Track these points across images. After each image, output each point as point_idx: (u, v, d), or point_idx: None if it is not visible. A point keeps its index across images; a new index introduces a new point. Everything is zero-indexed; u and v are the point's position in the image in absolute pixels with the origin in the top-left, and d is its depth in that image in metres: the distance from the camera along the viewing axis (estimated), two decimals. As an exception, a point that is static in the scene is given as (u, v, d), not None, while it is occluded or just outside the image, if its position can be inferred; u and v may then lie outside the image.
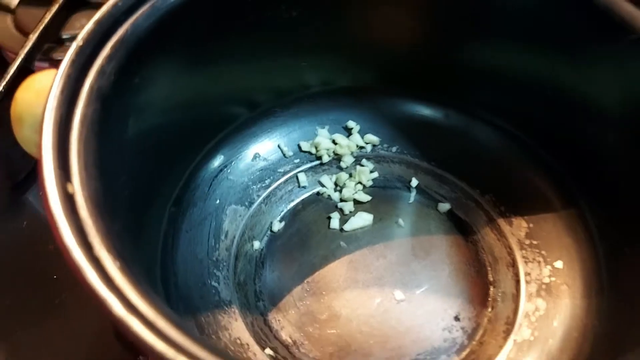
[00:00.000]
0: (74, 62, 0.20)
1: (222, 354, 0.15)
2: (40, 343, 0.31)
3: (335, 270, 0.28)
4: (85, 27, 0.21)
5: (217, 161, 0.29)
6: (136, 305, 0.15)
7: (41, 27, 0.38)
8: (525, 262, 0.28)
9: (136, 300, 0.15)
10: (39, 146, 0.18)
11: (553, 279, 0.27)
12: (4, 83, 0.35)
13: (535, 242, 0.28)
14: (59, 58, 0.40)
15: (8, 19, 0.42)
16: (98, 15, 0.21)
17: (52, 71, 0.23)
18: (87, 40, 0.20)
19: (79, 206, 0.17)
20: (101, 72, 0.20)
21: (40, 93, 0.21)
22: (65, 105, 0.19)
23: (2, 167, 0.37)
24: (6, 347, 0.31)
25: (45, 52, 0.39)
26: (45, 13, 0.39)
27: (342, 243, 0.29)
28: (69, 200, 0.17)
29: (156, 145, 0.24)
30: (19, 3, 0.42)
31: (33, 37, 0.38)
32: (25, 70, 0.37)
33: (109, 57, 0.21)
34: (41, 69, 0.39)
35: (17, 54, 0.39)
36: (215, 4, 0.24)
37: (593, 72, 0.22)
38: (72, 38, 0.40)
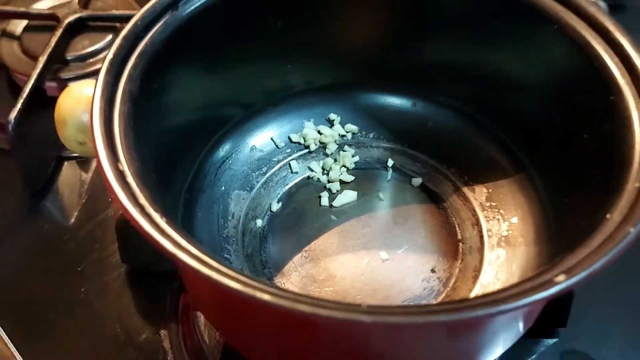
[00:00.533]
0: (109, 71, 0.24)
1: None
2: (73, 330, 0.35)
3: (329, 240, 0.33)
4: (115, 41, 0.25)
5: (221, 153, 0.34)
6: (184, 245, 0.19)
7: (49, 51, 0.43)
8: (487, 221, 0.33)
9: (183, 242, 0.19)
10: (92, 137, 0.22)
11: (510, 232, 0.32)
12: (21, 101, 0.39)
13: (494, 204, 0.33)
14: (66, 77, 0.44)
15: (15, 45, 0.47)
16: (124, 32, 0.26)
17: (84, 82, 0.27)
18: (116, 53, 0.25)
19: (129, 179, 0.21)
20: (130, 78, 0.25)
21: (79, 99, 0.26)
22: (107, 104, 0.23)
23: (23, 177, 0.41)
24: (43, 336, 0.35)
25: (53, 72, 0.44)
26: (51, 38, 0.44)
27: (332, 217, 0.34)
28: (120, 175, 0.21)
29: (172, 140, 0.29)
30: (24, 30, 0.47)
31: (42, 60, 0.42)
32: (38, 89, 0.41)
33: (134, 66, 0.25)
34: (50, 87, 0.44)
35: (25, 75, 0.44)
36: (214, 21, 0.29)
37: (525, 56, 0.27)
38: (76, 59, 0.45)
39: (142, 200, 0.21)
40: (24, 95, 0.40)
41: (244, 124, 0.35)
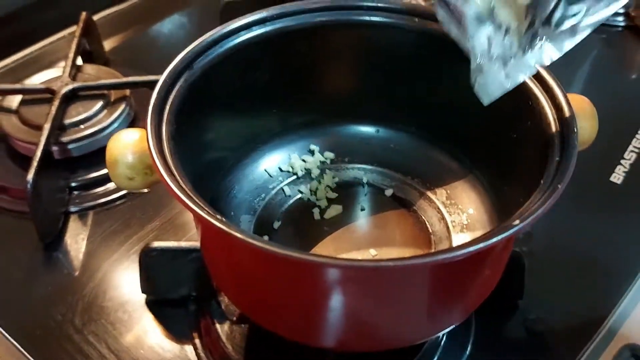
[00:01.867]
0: (153, 119, 0.31)
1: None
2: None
3: (325, 246, 0.40)
4: (152, 97, 0.32)
5: (228, 185, 0.40)
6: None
7: (51, 119, 0.48)
8: (450, 215, 0.41)
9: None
10: (153, 161, 0.28)
11: (469, 220, 0.40)
12: (35, 164, 0.44)
13: (453, 201, 0.41)
14: (65, 140, 0.50)
15: (13, 118, 0.51)
16: (157, 87, 0.32)
17: (126, 130, 0.33)
18: (155, 105, 0.32)
19: (182, 184, 0.28)
20: (167, 122, 0.31)
21: (125, 144, 0.32)
22: (157, 141, 0.30)
23: (38, 231, 0.45)
24: None
25: (55, 137, 0.49)
26: (51, 108, 0.49)
27: (325, 228, 0.41)
28: (178, 184, 0.27)
29: (199, 169, 0.35)
30: (20, 103, 0.52)
31: (47, 127, 0.47)
32: (47, 153, 0.46)
33: (168, 113, 0.32)
34: (55, 151, 0.49)
35: (27, 142, 0.49)
36: (219, 76, 0.37)
37: (463, 87, 0.36)
38: (73, 124, 0.51)
39: (192, 193, 0.27)
40: (37, 158, 0.45)
41: (244, 159, 0.42)
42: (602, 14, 0.30)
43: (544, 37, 0.31)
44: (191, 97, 0.34)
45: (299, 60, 0.40)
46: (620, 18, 0.66)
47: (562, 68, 0.61)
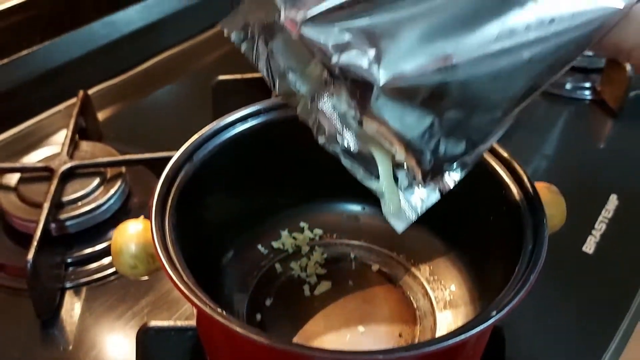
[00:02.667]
0: (157, 211, 0.33)
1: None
2: None
3: (316, 323, 0.42)
4: (155, 190, 0.34)
5: (223, 263, 0.42)
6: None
7: (50, 198, 0.50)
8: (433, 290, 0.43)
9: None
10: (158, 257, 0.30)
11: (451, 297, 0.42)
12: (35, 243, 0.46)
13: (436, 277, 0.44)
14: (63, 217, 0.51)
15: (12, 195, 0.53)
16: (161, 180, 0.35)
17: (129, 221, 0.36)
18: (158, 199, 0.34)
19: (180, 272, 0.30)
20: (170, 215, 0.34)
21: (129, 234, 0.34)
22: (160, 230, 0.32)
23: (36, 308, 0.46)
24: None
25: (53, 215, 0.51)
26: (50, 186, 0.51)
27: (315, 304, 0.43)
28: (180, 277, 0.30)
29: (198, 251, 0.37)
30: (19, 181, 0.54)
31: (47, 206, 0.49)
32: (46, 231, 0.48)
33: (170, 206, 0.34)
34: (53, 228, 0.50)
35: (26, 220, 0.51)
36: (214, 169, 0.39)
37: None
38: (70, 201, 0.53)
39: (186, 277, 0.29)
40: (37, 237, 0.46)
41: (238, 238, 0.44)
42: (491, 141, 0.32)
43: (444, 169, 0.33)
44: (191, 188, 0.37)
45: (289, 147, 0.43)
46: (587, 92, 0.71)
47: (532, 138, 0.66)
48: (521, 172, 0.36)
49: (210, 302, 0.29)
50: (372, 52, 0.27)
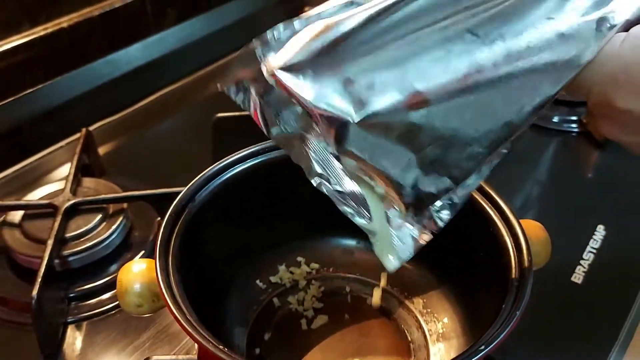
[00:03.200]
0: (160, 252, 0.35)
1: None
2: None
3: (314, 356, 0.43)
4: (160, 232, 0.36)
5: (223, 299, 0.44)
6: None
7: (54, 234, 0.51)
8: (427, 323, 0.45)
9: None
10: (161, 293, 0.32)
11: (444, 329, 0.44)
12: (39, 279, 0.47)
13: (429, 310, 0.45)
14: (66, 253, 0.53)
15: (16, 232, 0.55)
16: (165, 222, 0.36)
17: (134, 261, 0.37)
18: (162, 240, 0.36)
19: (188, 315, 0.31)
20: (173, 254, 0.35)
21: (134, 274, 0.36)
22: (164, 271, 0.33)
23: (40, 344, 0.47)
24: None
25: (57, 251, 0.52)
26: (54, 223, 0.53)
27: (313, 337, 0.44)
28: (183, 315, 0.31)
29: (194, 290, 0.38)
30: (23, 218, 0.55)
31: (51, 242, 0.51)
32: (49, 267, 0.49)
33: (173, 248, 0.36)
34: (57, 264, 0.52)
35: (30, 256, 0.52)
36: (214, 208, 0.41)
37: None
38: (73, 237, 0.54)
39: (189, 314, 0.31)
40: (41, 272, 0.48)
41: (237, 274, 0.45)
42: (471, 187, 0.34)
43: (427, 204, 0.34)
44: (193, 228, 0.38)
45: (286, 185, 0.44)
46: (574, 125, 0.73)
47: (521, 170, 0.68)
48: (507, 210, 0.38)
49: (212, 338, 0.30)
50: (346, 92, 0.29)
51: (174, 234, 0.37)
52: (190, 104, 0.79)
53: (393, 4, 0.30)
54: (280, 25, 0.32)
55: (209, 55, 0.86)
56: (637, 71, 0.29)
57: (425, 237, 0.35)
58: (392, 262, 0.35)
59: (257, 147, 0.43)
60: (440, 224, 0.34)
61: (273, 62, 0.31)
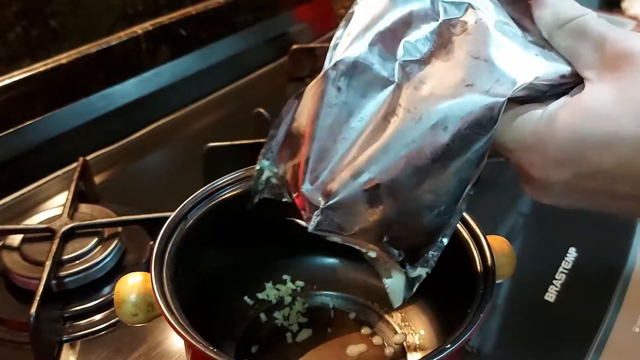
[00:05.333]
0: (156, 263, 0.38)
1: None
2: None
3: (299, 367, 0.46)
4: (155, 245, 0.39)
5: (213, 313, 0.46)
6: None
7: (52, 256, 0.54)
8: (405, 335, 0.47)
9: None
10: (157, 302, 0.35)
11: (421, 341, 0.47)
12: (37, 299, 0.49)
13: (407, 323, 0.48)
14: (63, 275, 0.55)
15: (15, 255, 0.57)
16: (160, 235, 0.39)
17: (131, 274, 0.40)
18: (157, 253, 0.39)
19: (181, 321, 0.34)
20: (167, 266, 0.38)
21: (131, 285, 0.39)
22: (159, 281, 0.36)
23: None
24: None
25: (54, 272, 0.54)
26: (51, 246, 0.55)
27: (297, 350, 0.47)
28: (177, 320, 0.34)
29: (187, 303, 0.41)
30: (22, 241, 0.58)
31: (49, 264, 0.53)
32: (47, 288, 0.52)
33: (168, 260, 0.39)
34: (53, 285, 0.54)
35: (28, 278, 0.55)
36: (206, 227, 0.44)
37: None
38: (70, 259, 0.57)
39: (182, 319, 0.33)
40: (39, 293, 0.50)
41: (226, 290, 0.48)
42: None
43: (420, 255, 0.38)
44: (186, 244, 0.41)
45: (275, 207, 0.48)
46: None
47: (499, 196, 0.71)
48: (475, 227, 0.42)
49: (203, 341, 0.33)
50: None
51: (168, 249, 0.39)
52: (182, 136, 0.83)
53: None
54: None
55: (200, 90, 0.90)
56: (552, 144, 0.31)
57: (422, 274, 0.39)
58: (397, 301, 0.41)
59: (246, 173, 0.46)
60: (432, 262, 0.38)
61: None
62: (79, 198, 0.65)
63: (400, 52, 0.33)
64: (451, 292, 0.43)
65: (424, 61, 0.33)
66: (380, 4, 0.34)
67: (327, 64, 0.35)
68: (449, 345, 0.33)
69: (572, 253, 0.64)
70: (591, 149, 0.30)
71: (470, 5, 0.33)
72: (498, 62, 0.31)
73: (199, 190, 0.44)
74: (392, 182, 0.34)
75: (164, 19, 0.83)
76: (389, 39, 0.33)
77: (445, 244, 0.36)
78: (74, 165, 0.67)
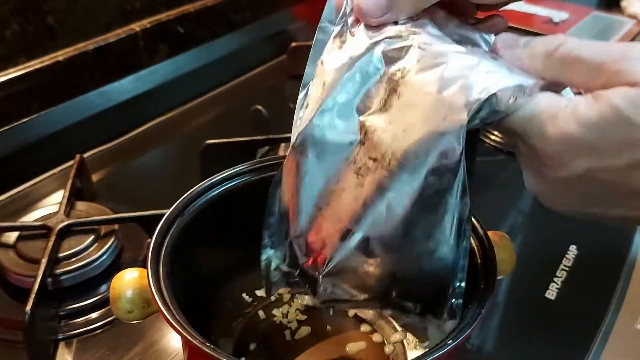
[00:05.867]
0: (153, 259, 0.37)
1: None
2: None
3: (298, 364, 0.45)
4: (151, 241, 0.38)
5: (211, 310, 0.46)
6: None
7: (47, 254, 0.53)
8: (405, 333, 0.47)
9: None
10: (153, 298, 0.34)
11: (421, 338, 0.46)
12: (32, 296, 0.49)
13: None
14: (58, 272, 0.55)
15: (10, 252, 0.56)
16: (156, 232, 0.39)
17: (127, 270, 0.39)
18: (154, 249, 0.38)
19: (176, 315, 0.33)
20: (164, 263, 0.38)
21: (127, 281, 0.38)
22: (155, 276, 0.36)
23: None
24: None
25: (50, 270, 0.54)
26: (47, 243, 0.54)
27: (296, 348, 0.46)
28: (174, 316, 0.33)
29: (184, 300, 0.40)
30: (17, 239, 0.57)
31: (44, 262, 0.52)
32: (42, 285, 0.51)
33: (164, 257, 0.38)
34: (49, 282, 0.53)
35: (24, 276, 0.54)
36: (203, 222, 0.43)
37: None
38: (66, 257, 0.56)
39: (178, 315, 0.33)
40: (34, 290, 0.49)
41: (224, 287, 0.48)
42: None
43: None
44: (183, 240, 0.41)
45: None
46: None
47: (500, 194, 0.71)
48: (476, 222, 0.41)
49: (200, 337, 0.33)
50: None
51: (164, 245, 0.39)
52: (180, 134, 0.82)
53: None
54: None
55: (198, 88, 0.90)
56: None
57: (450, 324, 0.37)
58: None
59: (244, 167, 0.46)
60: (458, 310, 0.36)
61: None
62: (75, 196, 0.65)
63: (357, 107, 0.34)
64: (452, 288, 0.43)
65: (381, 110, 0.33)
66: (334, 67, 0.34)
67: (292, 137, 0.36)
68: (450, 341, 0.32)
69: (572, 250, 0.64)
70: (616, 140, 0.29)
71: (410, 47, 0.33)
72: (448, 90, 0.31)
73: (197, 186, 0.44)
74: (381, 236, 0.34)
75: (161, 17, 0.83)
76: (346, 101, 0.34)
77: (463, 288, 0.35)
78: (71, 162, 0.66)
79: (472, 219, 0.41)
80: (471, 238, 0.41)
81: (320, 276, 0.37)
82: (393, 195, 0.33)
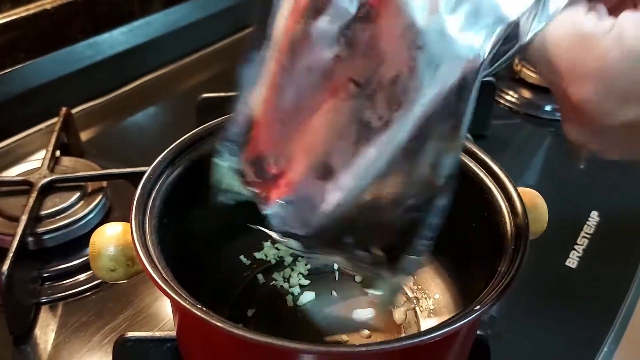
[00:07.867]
0: (137, 213, 0.33)
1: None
2: None
3: (300, 332, 0.41)
4: (136, 191, 0.34)
5: (204, 273, 0.42)
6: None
7: (28, 211, 0.49)
8: (417, 300, 0.43)
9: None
10: (137, 254, 0.30)
11: (436, 305, 0.42)
12: (10, 255, 0.45)
13: (420, 286, 0.43)
14: (41, 231, 0.50)
15: (-11, 208, 0.52)
16: (140, 186, 0.34)
17: (109, 224, 0.35)
18: (139, 199, 0.34)
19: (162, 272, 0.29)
20: (151, 215, 0.33)
21: (108, 237, 0.34)
22: (140, 230, 0.31)
23: (9, 324, 0.45)
24: None
25: (31, 228, 0.50)
26: (28, 199, 0.50)
27: (298, 314, 0.42)
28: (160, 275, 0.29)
29: (174, 259, 0.36)
30: (-3, 195, 0.53)
31: (24, 219, 0.48)
32: (22, 244, 0.47)
33: (152, 206, 0.34)
34: (30, 241, 0.49)
35: (3, 234, 0.50)
36: (196, 175, 0.39)
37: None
38: (49, 215, 0.52)
39: (167, 275, 0.29)
40: (12, 250, 0.45)
41: (220, 248, 0.43)
42: None
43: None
44: (174, 191, 0.36)
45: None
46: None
47: (515, 159, 0.67)
48: (502, 175, 0.37)
49: (190, 298, 0.28)
50: None
51: (152, 196, 0.34)
52: (175, 91, 0.78)
53: None
54: None
55: (195, 42, 0.84)
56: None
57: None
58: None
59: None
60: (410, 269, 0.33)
61: None
62: (62, 152, 0.60)
63: None
64: (473, 251, 0.39)
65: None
66: None
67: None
68: (477, 307, 0.28)
69: (594, 217, 0.59)
70: None
71: None
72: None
73: (189, 133, 0.39)
74: (351, 173, 0.30)
75: (156, -36, 0.77)
76: None
77: (425, 246, 0.31)
78: (57, 119, 0.62)
79: (500, 172, 0.37)
80: (497, 194, 0.37)
81: (279, 201, 0.33)
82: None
